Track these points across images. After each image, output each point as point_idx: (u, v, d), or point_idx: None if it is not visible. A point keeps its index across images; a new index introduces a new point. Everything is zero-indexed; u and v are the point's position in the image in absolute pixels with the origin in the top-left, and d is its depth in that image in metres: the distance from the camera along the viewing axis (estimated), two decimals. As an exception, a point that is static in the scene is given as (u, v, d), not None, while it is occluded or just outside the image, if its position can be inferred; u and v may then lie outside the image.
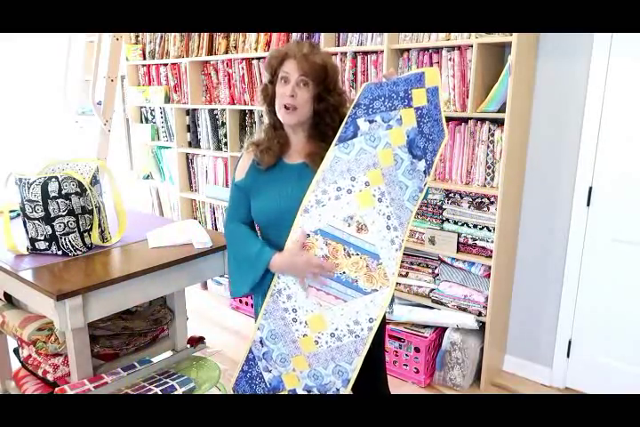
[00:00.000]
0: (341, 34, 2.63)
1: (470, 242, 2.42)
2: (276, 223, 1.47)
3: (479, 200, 2.37)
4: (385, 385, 1.72)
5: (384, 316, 1.57)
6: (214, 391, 1.82)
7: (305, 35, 2.77)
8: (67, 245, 1.78)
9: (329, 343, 1.47)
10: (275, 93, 1.46)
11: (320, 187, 1.41)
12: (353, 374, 1.48)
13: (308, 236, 1.42)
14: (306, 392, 1.54)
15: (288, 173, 1.49)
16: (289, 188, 1.46)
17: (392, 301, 1.61)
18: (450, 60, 2.29)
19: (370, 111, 1.39)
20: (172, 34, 3.42)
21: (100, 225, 1.88)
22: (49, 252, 1.79)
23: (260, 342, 1.55)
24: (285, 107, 1.42)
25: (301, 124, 1.48)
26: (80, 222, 1.80)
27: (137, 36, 3.71)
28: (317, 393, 1.52)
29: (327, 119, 1.47)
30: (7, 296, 2.07)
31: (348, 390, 1.50)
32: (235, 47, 3.11)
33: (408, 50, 2.41)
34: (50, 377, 1.83)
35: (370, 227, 1.40)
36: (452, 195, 2.45)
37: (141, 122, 3.92)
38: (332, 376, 1.50)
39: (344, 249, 1.41)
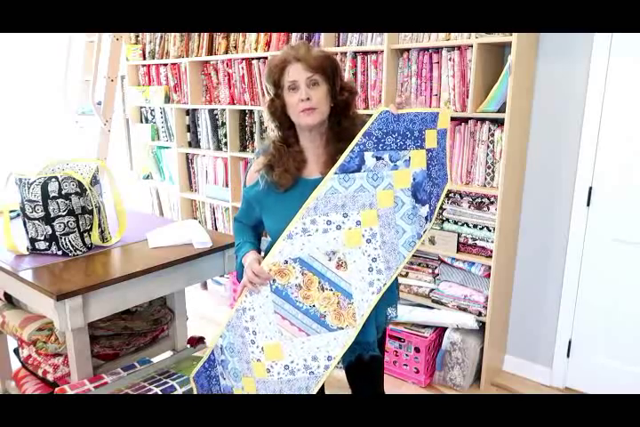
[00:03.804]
0: (341, 34, 2.63)
1: (470, 242, 2.42)
2: None
3: (479, 200, 2.37)
4: (381, 386, 1.71)
5: (386, 316, 1.55)
6: (214, 391, 1.82)
7: (305, 35, 2.77)
8: (67, 245, 1.78)
9: (280, 375, 1.42)
10: (283, 107, 1.40)
11: (310, 215, 1.35)
12: None
13: (286, 262, 1.38)
14: None
15: (306, 190, 1.39)
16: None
17: (396, 304, 1.59)
18: (450, 60, 2.29)
19: (380, 147, 1.33)
20: (172, 34, 3.42)
21: (100, 225, 1.88)
22: (49, 252, 1.79)
23: (221, 348, 1.53)
24: (303, 111, 1.36)
25: (320, 127, 1.42)
26: (80, 222, 1.80)
27: (137, 36, 3.71)
28: None
29: (343, 116, 1.42)
30: (7, 296, 2.07)
31: None
32: (235, 47, 3.11)
33: (408, 50, 2.41)
34: (50, 377, 1.83)
35: (350, 265, 1.36)
36: (451, 195, 2.44)
37: (141, 122, 3.92)
38: None
39: (319, 282, 1.37)
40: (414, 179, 1.36)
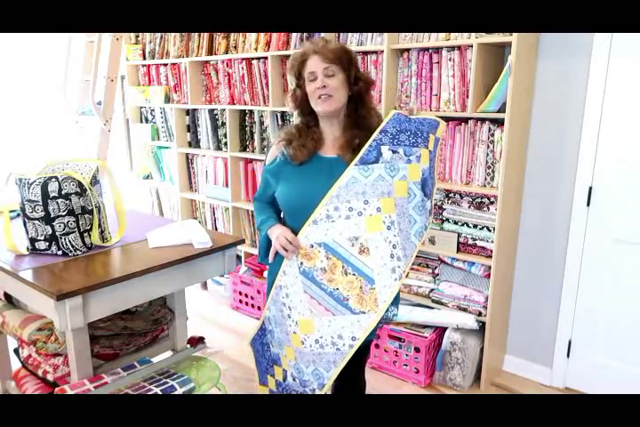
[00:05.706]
0: (341, 34, 2.63)
1: (470, 242, 2.42)
2: (297, 211, 1.52)
3: (479, 200, 2.37)
4: (362, 376, 1.76)
5: (388, 312, 1.59)
6: (214, 391, 1.82)
7: (305, 35, 2.77)
8: (67, 245, 1.78)
9: (312, 347, 1.53)
10: (304, 96, 1.54)
11: (333, 202, 1.44)
12: (328, 381, 1.54)
13: (312, 246, 1.47)
14: (292, 379, 1.63)
15: (321, 165, 1.53)
16: (318, 179, 1.50)
17: (397, 303, 1.64)
18: (450, 60, 2.29)
19: (395, 142, 1.45)
20: (172, 34, 3.42)
21: (100, 225, 1.88)
22: (49, 252, 1.79)
23: (268, 319, 1.66)
24: (320, 97, 1.49)
25: (338, 114, 1.54)
26: (80, 222, 1.80)
27: (137, 36, 3.71)
28: (300, 386, 1.61)
29: (360, 104, 1.54)
30: (7, 296, 2.07)
31: (322, 392, 1.56)
32: (235, 47, 3.11)
33: (408, 50, 2.41)
34: (50, 377, 1.83)
35: (372, 251, 1.43)
36: (451, 195, 2.45)
37: (141, 122, 3.92)
38: (310, 376, 1.56)
39: (342, 267, 1.45)
40: (423, 174, 1.47)
